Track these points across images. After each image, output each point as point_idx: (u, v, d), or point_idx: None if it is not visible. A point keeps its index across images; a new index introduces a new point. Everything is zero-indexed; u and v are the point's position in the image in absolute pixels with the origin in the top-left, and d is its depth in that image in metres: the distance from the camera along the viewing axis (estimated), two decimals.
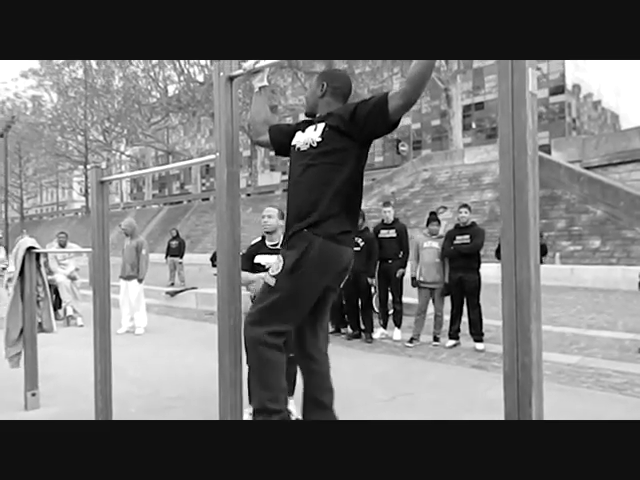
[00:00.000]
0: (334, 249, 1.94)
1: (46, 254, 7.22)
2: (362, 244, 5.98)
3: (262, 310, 1.95)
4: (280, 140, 2.24)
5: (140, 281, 7.06)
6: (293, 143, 2.13)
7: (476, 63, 39.21)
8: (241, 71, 2.08)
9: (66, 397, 3.95)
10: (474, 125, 39.69)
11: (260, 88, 2.26)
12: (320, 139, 1.99)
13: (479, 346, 5.54)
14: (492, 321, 6.13)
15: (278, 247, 3.45)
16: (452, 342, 5.73)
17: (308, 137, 2.04)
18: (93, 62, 33.51)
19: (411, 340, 5.85)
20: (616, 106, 43.25)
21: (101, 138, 37.64)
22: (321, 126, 2.02)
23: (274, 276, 1.95)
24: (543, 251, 5.40)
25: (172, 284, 13.02)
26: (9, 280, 7.47)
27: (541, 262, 5.04)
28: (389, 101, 1.83)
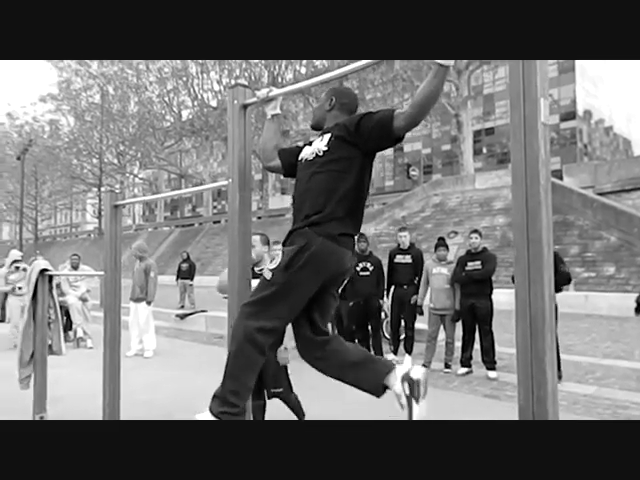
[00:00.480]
0: (333, 249, 1.95)
1: (59, 276, 7.29)
2: (371, 268, 5.97)
3: (256, 302, 1.95)
4: (289, 161, 2.28)
5: (149, 303, 7.08)
6: (300, 157, 2.18)
7: (486, 89, 39.58)
8: (255, 99, 2.12)
9: (75, 418, 3.93)
10: (485, 150, 39.84)
11: (272, 116, 2.29)
12: (326, 148, 2.03)
13: (492, 374, 5.43)
14: (505, 349, 6.03)
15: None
16: (464, 370, 5.64)
17: (315, 147, 2.09)
18: (110, 88, 34.36)
19: (422, 367, 5.77)
20: (628, 132, 43.23)
21: (115, 161, 38.30)
22: (327, 136, 2.06)
23: (271, 270, 1.96)
24: (567, 279, 5.32)
25: (182, 306, 13.03)
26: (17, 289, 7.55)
27: (559, 290, 4.90)
28: (394, 119, 1.86)
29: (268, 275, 1.96)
